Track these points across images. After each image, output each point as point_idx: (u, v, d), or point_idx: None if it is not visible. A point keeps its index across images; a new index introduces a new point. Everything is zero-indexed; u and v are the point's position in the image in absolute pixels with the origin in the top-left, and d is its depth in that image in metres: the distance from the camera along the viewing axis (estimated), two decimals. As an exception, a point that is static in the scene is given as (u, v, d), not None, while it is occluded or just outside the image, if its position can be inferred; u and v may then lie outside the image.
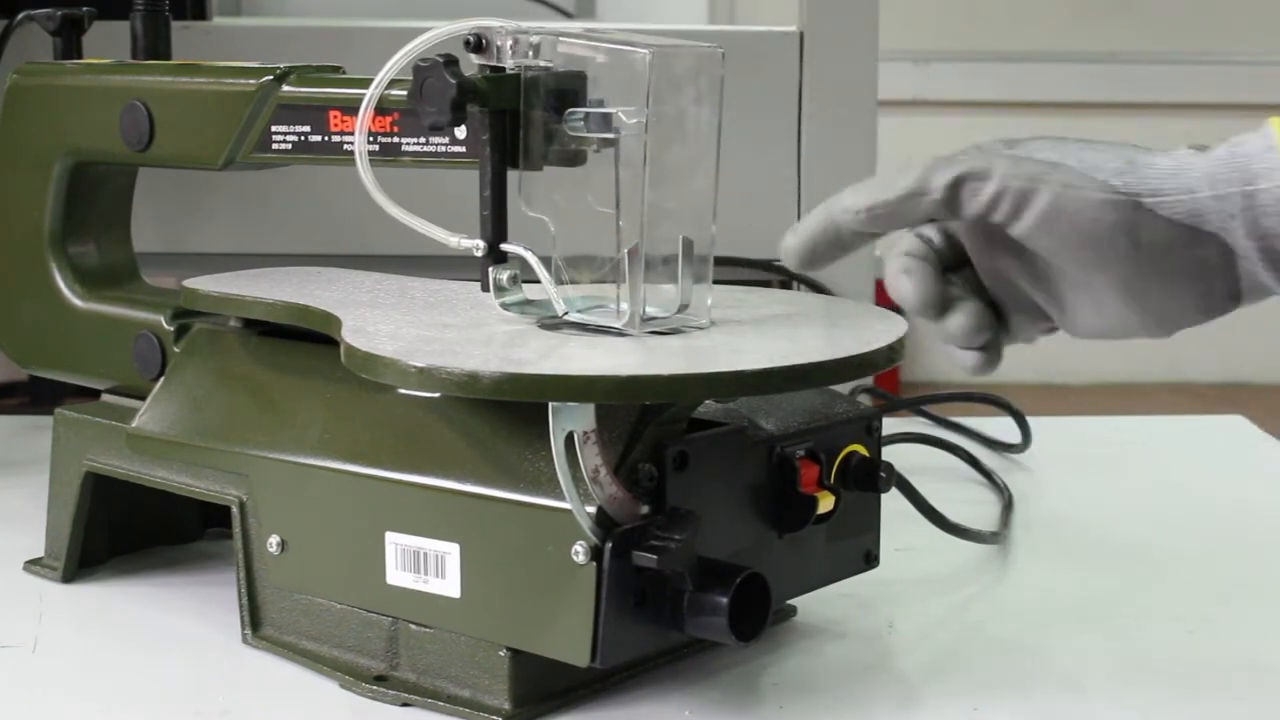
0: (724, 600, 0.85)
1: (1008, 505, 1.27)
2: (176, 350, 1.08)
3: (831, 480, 0.95)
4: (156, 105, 1.08)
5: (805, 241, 0.85)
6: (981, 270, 0.87)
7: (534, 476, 0.87)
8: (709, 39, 0.95)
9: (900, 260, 0.86)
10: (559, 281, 0.93)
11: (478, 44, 0.91)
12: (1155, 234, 0.79)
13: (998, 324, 0.87)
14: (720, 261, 0.95)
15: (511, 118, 0.91)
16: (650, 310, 0.92)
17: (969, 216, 0.81)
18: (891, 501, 1.03)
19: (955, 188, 0.80)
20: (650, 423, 0.87)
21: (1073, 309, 0.85)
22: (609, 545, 0.83)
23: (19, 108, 1.16)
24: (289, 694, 0.93)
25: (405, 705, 0.91)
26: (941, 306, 0.86)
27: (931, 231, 0.87)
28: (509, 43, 0.90)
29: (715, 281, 0.94)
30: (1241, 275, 0.80)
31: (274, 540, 0.97)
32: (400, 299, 1.02)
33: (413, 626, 0.92)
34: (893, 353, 0.89)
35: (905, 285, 0.86)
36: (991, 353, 0.87)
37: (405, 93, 0.92)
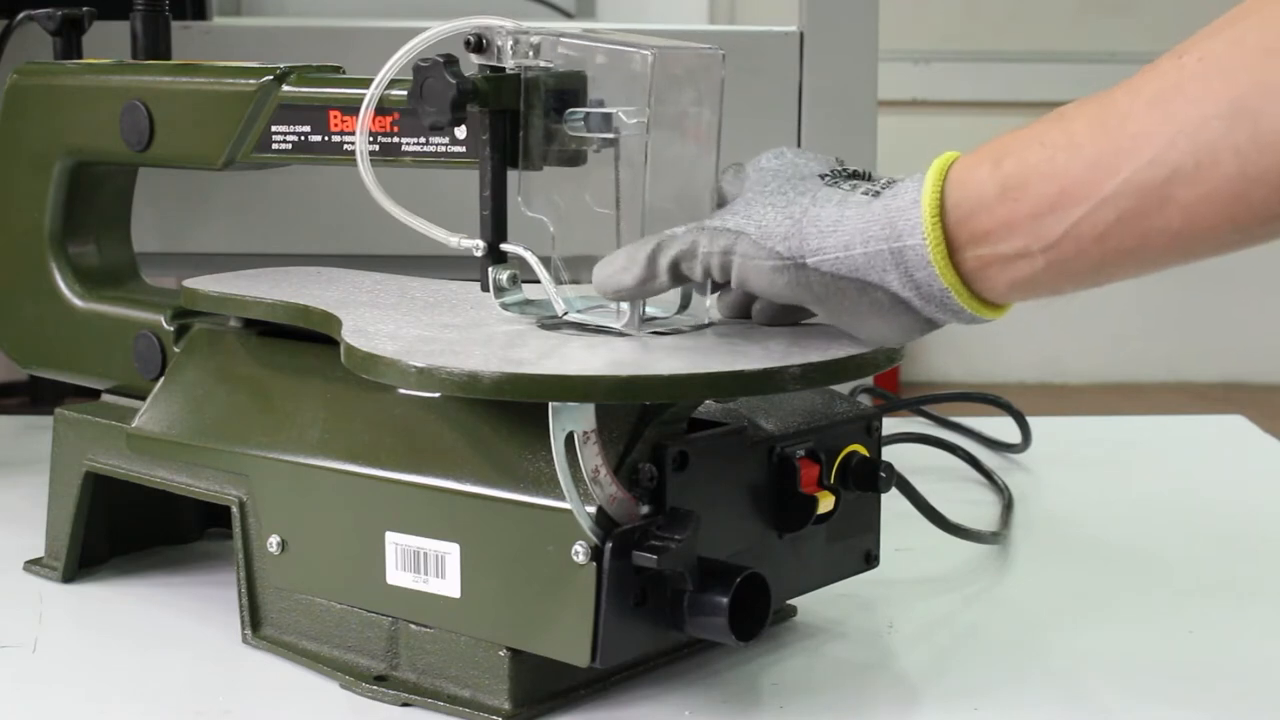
0: (724, 600, 0.85)
1: (1008, 505, 1.27)
2: (176, 350, 1.08)
3: (831, 480, 0.95)
4: (156, 105, 1.08)
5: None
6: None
7: (534, 476, 0.87)
8: (709, 39, 0.95)
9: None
10: (559, 281, 0.93)
11: (478, 44, 0.91)
12: (825, 285, 0.85)
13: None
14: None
15: (511, 118, 0.91)
16: (650, 310, 0.92)
17: (696, 283, 0.90)
18: (891, 501, 1.03)
19: (675, 268, 0.88)
20: (650, 423, 0.87)
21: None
22: (609, 545, 0.83)
23: (19, 108, 1.16)
24: (289, 694, 0.93)
25: (405, 705, 0.91)
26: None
27: None
28: (509, 43, 0.90)
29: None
30: (921, 310, 0.84)
31: (274, 540, 0.97)
32: (400, 299, 1.02)
33: (413, 626, 0.92)
34: (893, 353, 0.89)
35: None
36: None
37: (405, 93, 0.92)
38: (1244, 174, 0.76)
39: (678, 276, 0.88)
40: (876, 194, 0.85)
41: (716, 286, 0.93)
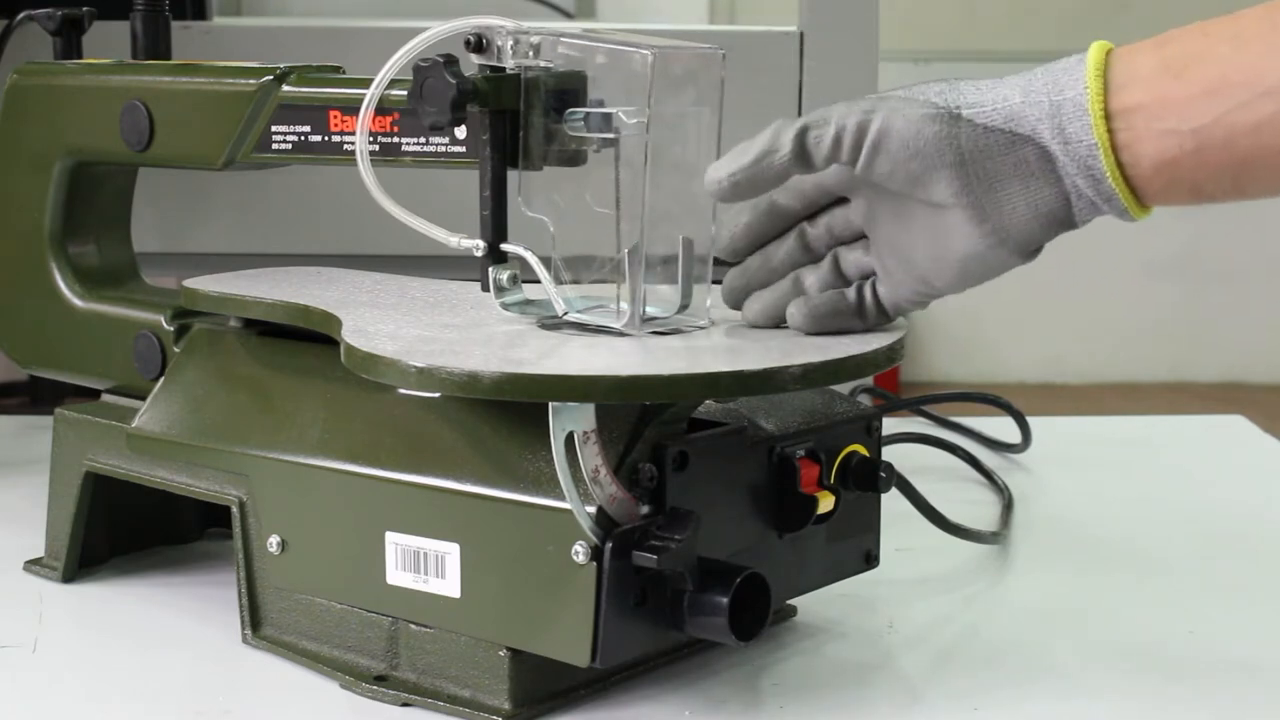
0: (724, 600, 0.85)
1: (1008, 505, 1.27)
2: (176, 350, 1.08)
3: (831, 480, 0.95)
4: (156, 105, 1.08)
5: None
6: (874, 239, 0.92)
7: (534, 476, 0.87)
8: (709, 39, 0.95)
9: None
10: (559, 281, 0.93)
11: (478, 44, 0.91)
12: (974, 140, 0.85)
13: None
14: (720, 261, 0.95)
15: (511, 118, 0.91)
16: (650, 310, 0.92)
17: (819, 162, 0.88)
18: (891, 501, 1.03)
19: (801, 139, 0.87)
20: (650, 423, 0.87)
21: (931, 244, 0.89)
22: (609, 545, 0.83)
23: (19, 108, 1.16)
24: (289, 694, 0.93)
25: (405, 705, 0.91)
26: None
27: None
28: (509, 43, 0.90)
29: (715, 282, 0.94)
30: (1063, 177, 0.85)
31: (274, 540, 0.97)
32: (400, 299, 1.02)
33: (413, 626, 0.92)
34: (892, 353, 0.89)
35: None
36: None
37: (405, 93, 0.92)
38: None
39: (801, 153, 0.87)
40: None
41: (814, 192, 0.92)
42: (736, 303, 0.95)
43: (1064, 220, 0.86)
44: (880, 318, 0.92)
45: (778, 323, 0.94)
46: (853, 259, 0.93)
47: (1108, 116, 0.83)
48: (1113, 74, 0.83)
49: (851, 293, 0.92)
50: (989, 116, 0.85)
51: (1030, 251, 0.88)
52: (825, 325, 0.91)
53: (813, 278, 0.93)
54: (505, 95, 0.91)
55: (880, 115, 0.86)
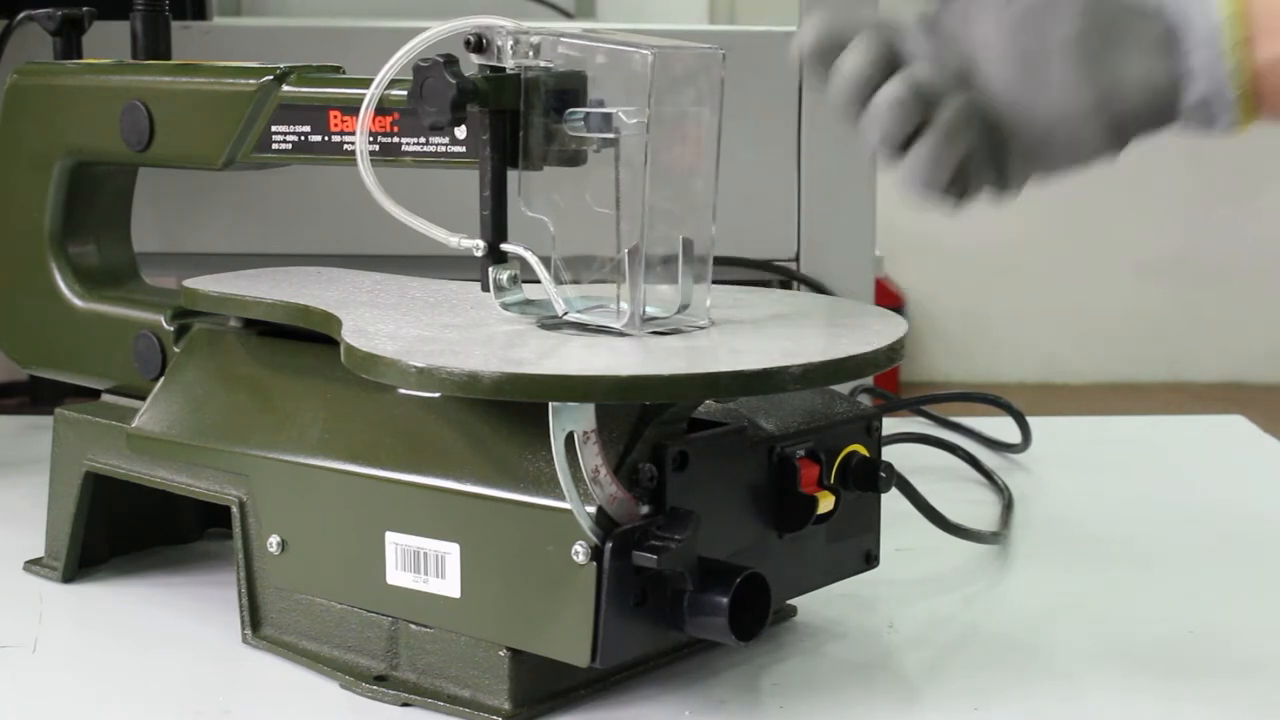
0: (724, 600, 0.85)
1: (1008, 505, 1.27)
2: (176, 350, 1.08)
3: (831, 480, 0.95)
4: (156, 105, 1.08)
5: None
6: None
7: (534, 476, 0.87)
8: (709, 39, 0.95)
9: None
10: (559, 281, 0.93)
11: (478, 44, 0.91)
12: (1102, 4, 0.83)
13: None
14: (720, 261, 0.95)
15: (512, 118, 0.91)
16: (650, 310, 0.92)
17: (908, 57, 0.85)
18: (891, 501, 1.03)
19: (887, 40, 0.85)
20: (650, 423, 0.87)
21: (1032, 93, 0.86)
22: (609, 545, 0.83)
23: (19, 108, 1.16)
24: (289, 694, 0.93)
25: (405, 705, 0.91)
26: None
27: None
28: (509, 43, 0.90)
29: (715, 281, 0.94)
30: (1185, 55, 0.83)
31: (274, 540, 0.97)
32: (400, 299, 1.02)
33: (413, 626, 0.92)
34: (893, 353, 0.89)
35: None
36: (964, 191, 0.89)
37: (405, 93, 0.92)
38: None
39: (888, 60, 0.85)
40: None
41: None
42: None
43: (1168, 108, 0.84)
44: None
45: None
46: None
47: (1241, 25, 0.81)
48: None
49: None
50: None
51: (1121, 138, 0.86)
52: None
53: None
54: (505, 95, 0.91)
55: None
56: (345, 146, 0.99)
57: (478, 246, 0.93)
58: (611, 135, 0.89)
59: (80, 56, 1.19)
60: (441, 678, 0.91)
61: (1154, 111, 0.85)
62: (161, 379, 1.07)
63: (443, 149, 0.95)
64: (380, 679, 0.93)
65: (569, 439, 0.83)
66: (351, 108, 0.97)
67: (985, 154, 0.87)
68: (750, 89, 1.47)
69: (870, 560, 1.01)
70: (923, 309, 4.67)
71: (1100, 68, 0.84)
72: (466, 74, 0.90)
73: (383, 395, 0.94)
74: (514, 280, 0.94)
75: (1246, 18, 0.82)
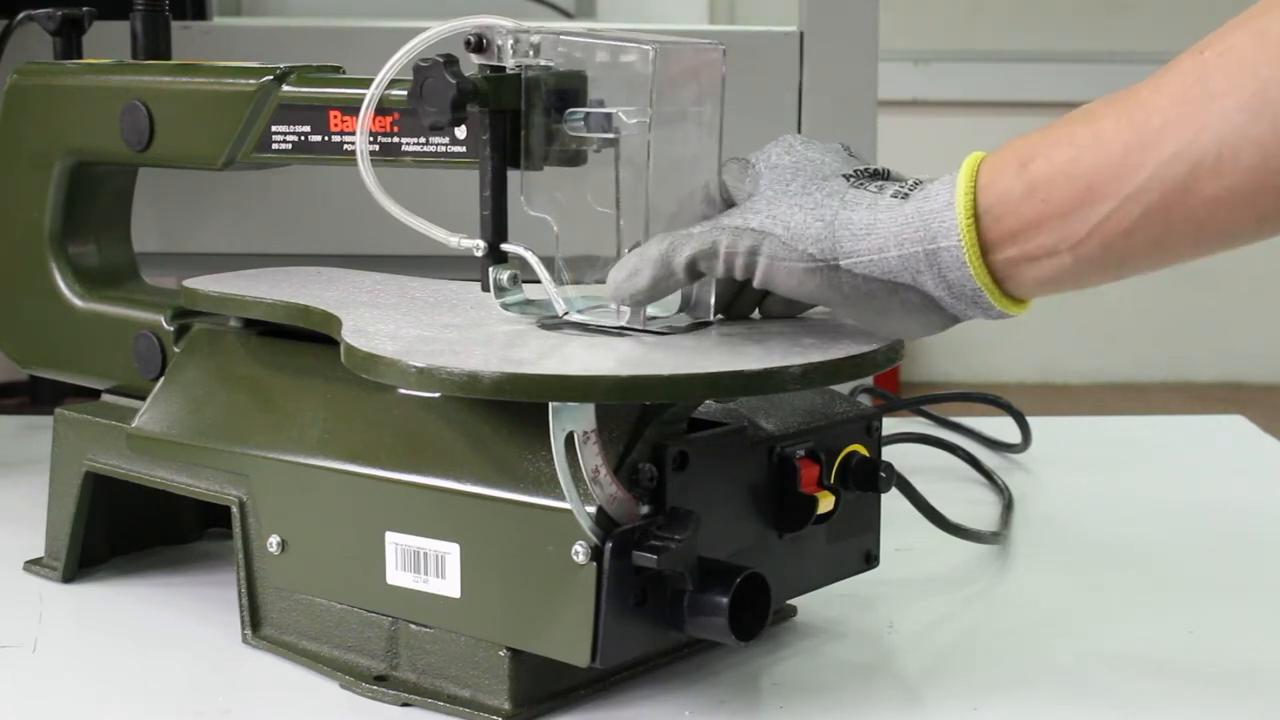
0: (724, 600, 0.85)
1: (1008, 505, 1.27)
2: (176, 350, 1.08)
3: (831, 480, 0.95)
4: (156, 105, 1.08)
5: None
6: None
7: (534, 476, 0.87)
8: (709, 39, 0.94)
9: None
10: (560, 281, 0.93)
11: (478, 44, 0.91)
12: (855, 287, 0.86)
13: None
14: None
15: (512, 118, 0.91)
16: (650, 310, 0.92)
17: (717, 277, 0.90)
18: (891, 501, 1.03)
19: (693, 266, 0.88)
20: (650, 423, 0.87)
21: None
22: (609, 545, 0.83)
23: (19, 108, 1.16)
24: (289, 694, 0.93)
25: (405, 705, 0.91)
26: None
27: None
28: (509, 42, 0.90)
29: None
30: (949, 309, 0.86)
31: (274, 540, 0.97)
32: (400, 299, 1.01)
33: (413, 626, 0.92)
34: (892, 353, 0.89)
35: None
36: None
37: (405, 93, 0.92)
38: (1266, 166, 0.77)
39: (694, 274, 0.89)
40: (905, 195, 0.86)
41: (730, 287, 0.93)
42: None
43: (955, 323, 0.88)
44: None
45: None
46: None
47: (985, 256, 0.83)
48: (983, 205, 0.83)
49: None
50: (867, 268, 0.85)
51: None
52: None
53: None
54: (505, 95, 0.91)
55: (762, 261, 0.86)
56: (345, 146, 0.99)
57: (478, 246, 0.93)
58: (611, 135, 0.89)
59: (80, 56, 1.19)
60: (441, 678, 0.91)
61: (949, 326, 0.88)
62: (161, 379, 1.07)
63: (443, 149, 0.95)
64: (380, 679, 0.93)
65: (569, 439, 0.83)
66: (351, 108, 0.97)
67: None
68: (750, 89, 1.47)
69: (870, 560, 1.01)
70: (923, 309, 4.66)
71: (880, 329, 0.89)
72: (466, 74, 0.90)
73: (383, 395, 0.94)
74: (514, 280, 0.94)
75: (993, 262, 0.84)
